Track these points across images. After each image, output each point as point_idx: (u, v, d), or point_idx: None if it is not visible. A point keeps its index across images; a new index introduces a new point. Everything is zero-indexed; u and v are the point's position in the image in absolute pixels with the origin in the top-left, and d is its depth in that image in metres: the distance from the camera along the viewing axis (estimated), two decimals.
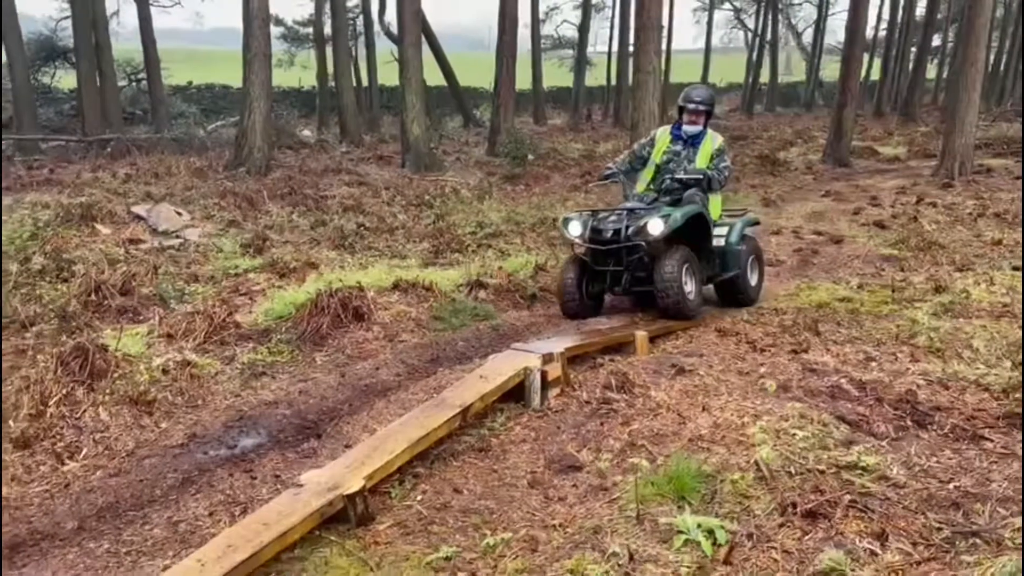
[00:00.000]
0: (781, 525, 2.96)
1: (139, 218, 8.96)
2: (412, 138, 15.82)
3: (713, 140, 6.36)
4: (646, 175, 6.52)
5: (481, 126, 26.50)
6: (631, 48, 29.16)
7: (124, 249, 7.76)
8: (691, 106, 6.30)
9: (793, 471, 3.33)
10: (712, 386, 4.36)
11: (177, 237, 8.60)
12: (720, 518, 3.00)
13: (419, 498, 3.50)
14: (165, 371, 4.75)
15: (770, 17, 38.88)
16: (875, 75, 36.79)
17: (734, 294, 6.54)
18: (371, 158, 17.43)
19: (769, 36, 39.21)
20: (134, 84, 24.77)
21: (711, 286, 6.58)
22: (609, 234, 5.97)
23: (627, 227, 5.91)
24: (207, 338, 5.35)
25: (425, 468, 3.75)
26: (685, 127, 6.36)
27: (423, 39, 18.04)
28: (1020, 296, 6.02)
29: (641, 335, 5.14)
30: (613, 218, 6.07)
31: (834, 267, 8.01)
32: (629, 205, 6.20)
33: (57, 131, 20.44)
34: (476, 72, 32.08)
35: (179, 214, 9.18)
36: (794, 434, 3.66)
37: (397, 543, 3.17)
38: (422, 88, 16.28)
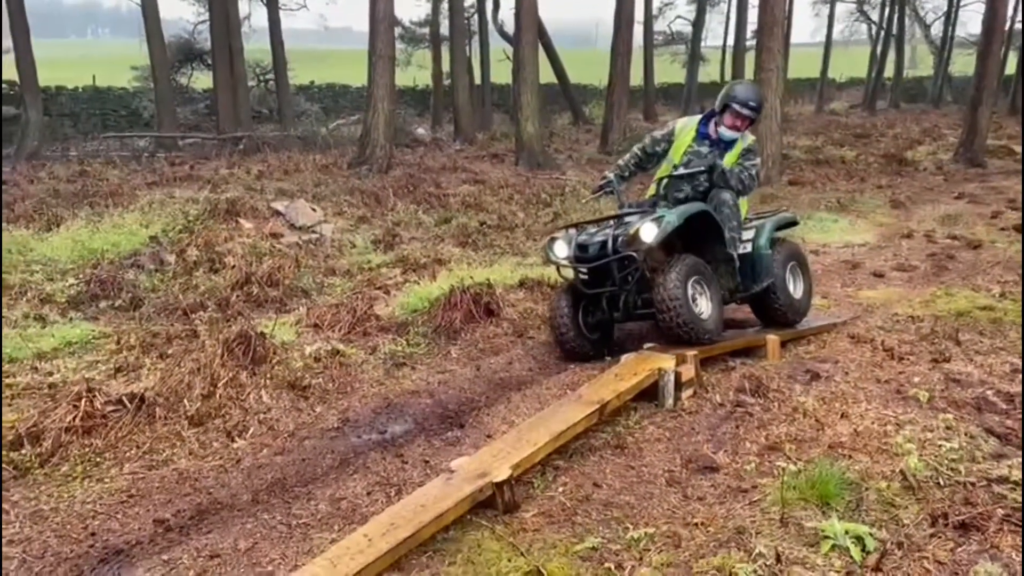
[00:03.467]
0: (932, 536, 2.96)
1: (278, 213, 9.53)
2: (526, 136, 16.05)
3: (743, 140, 5.30)
4: (660, 175, 5.46)
5: (590, 123, 26.53)
6: (748, 43, 28.58)
7: (268, 243, 8.28)
8: (741, 109, 5.14)
9: (942, 482, 3.30)
10: (850, 393, 4.33)
11: (313, 232, 9.10)
12: (867, 525, 3.02)
13: (560, 489, 3.66)
14: (317, 359, 5.10)
15: (896, 9, 37.15)
16: (1010, 69, 34.58)
17: (770, 310, 5.52)
18: (484, 156, 17.78)
19: (895, 29, 37.45)
20: (262, 84, 26.05)
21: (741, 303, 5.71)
22: (596, 248, 5.00)
23: (615, 237, 4.93)
24: (351, 329, 5.69)
25: (564, 461, 3.91)
26: (723, 130, 5.23)
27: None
28: None
29: (773, 339, 5.14)
30: (600, 229, 5.13)
31: (972, 274, 7.68)
32: (621, 212, 5.26)
33: (193, 129, 21.80)
34: (582, 69, 32.06)
35: (314, 210, 9.70)
36: (941, 445, 3.61)
37: (544, 531, 3.34)
38: (537, 87, 16.48)
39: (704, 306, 4.88)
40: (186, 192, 11.27)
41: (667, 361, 4.48)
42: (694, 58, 34.47)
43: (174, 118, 20.25)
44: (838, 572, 2.78)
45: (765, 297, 5.44)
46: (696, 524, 3.27)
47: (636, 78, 28.97)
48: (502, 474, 3.49)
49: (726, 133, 5.23)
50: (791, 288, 5.61)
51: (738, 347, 5.17)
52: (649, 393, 4.48)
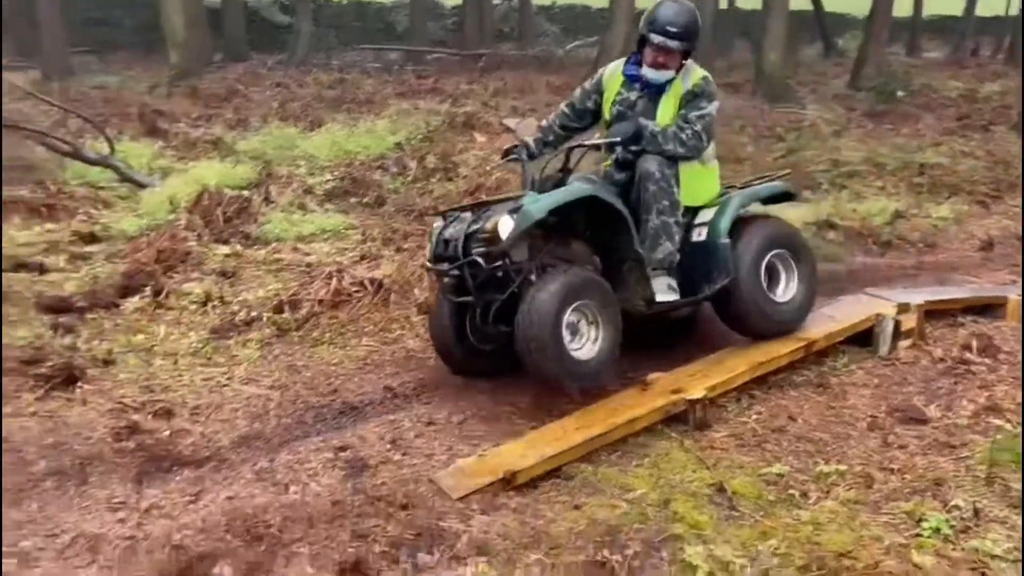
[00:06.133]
0: None
1: (509, 130, 9.93)
2: (768, 66, 15.23)
3: (684, 79, 3.94)
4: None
5: (843, 56, 24.49)
6: None
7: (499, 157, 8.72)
8: (660, 39, 3.81)
9: None
10: None
11: None
12: None
13: (754, 417, 3.72)
14: None
15: None
16: None
17: (729, 318, 4.14)
18: (719, 85, 17.14)
19: None
20: (507, 2, 26.58)
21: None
22: (448, 247, 3.81)
23: (469, 235, 3.73)
24: None
25: (762, 392, 3.93)
26: (646, 70, 3.94)
27: None
28: None
29: (1015, 299, 4.72)
30: (461, 220, 3.88)
31: None
32: (511, 196, 3.99)
33: (439, 44, 22.86)
34: None
35: None
36: None
37: (731, 452, 3.44)
38: (786, 13, 15.51)
39: (588, 342, 3.61)
40: (429, 104, 12.01)
41: (887, 307, 4.30)
42: None
43: (424, 33, 21.32)
44: None
45: (724, 301, 4.04)
46: (892, 470, 3.23)
47: (903, 8, 26.19)
48: (697, 392, 3.61)
49: (650, 73, 3.93)
50: (773, 288, 4.11)
51: (973, 304, 4.81)
52: (862, 340, 4.34)
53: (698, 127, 3.88)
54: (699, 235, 4.01)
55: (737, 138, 11.04)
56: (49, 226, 5.69)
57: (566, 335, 3.48)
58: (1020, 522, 2.75)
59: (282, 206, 6.60)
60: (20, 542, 2.74)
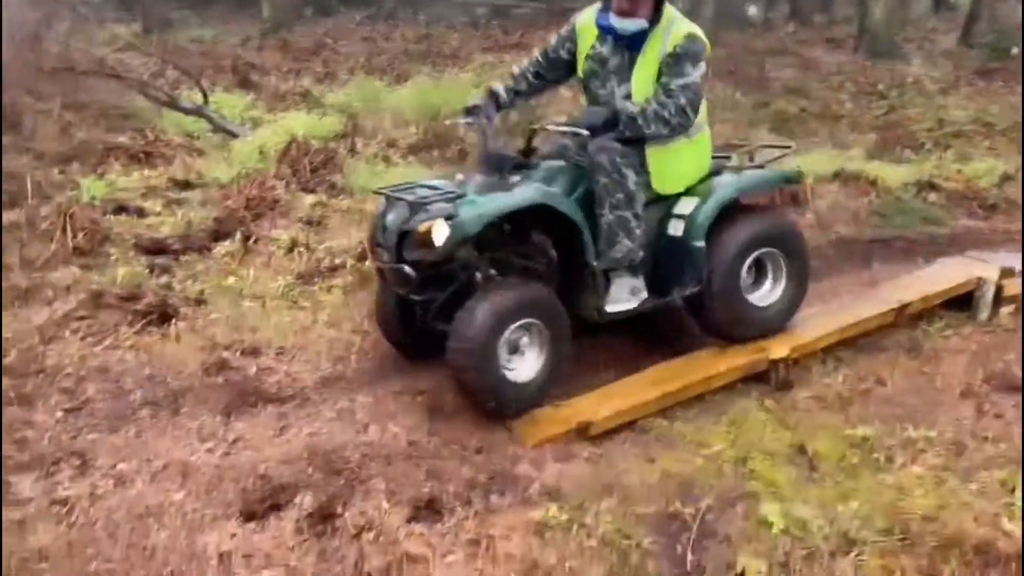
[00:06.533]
0: None
1: None
2: (872, 20, 14.44)
3: (665, 36, 3.32)
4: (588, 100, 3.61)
5: (953, 10, 23.02)
6: None
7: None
8: None
9: None
10: None
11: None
12: None
13: (840, 379, 3.61)
14: None
15: None
16: None
17: (703, 321, 3.68)
18: (819, 40, 16.37)
19: None
20: None
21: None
22: (386, 237, 3.29)
23: (403, 232, 3.18)
24: None
25: (849, 355, 3.80)
26: (613, 19, 3.35)
27: None
28: None
29: None
30: (399, 208, 3.27)
31: None
32: (462, 178, 3.45)
33: None
34: None
35: None
36: None
37: (814, 413, 3.35)
38: None
39: (529, 363, 3.21)
40: (514, 57, 11.90)
41: (989, 271, 4.08)
42: None
43: None
44: None
45: (690, 300, 3.53)
46: (986, 438, 3.09)
47: None
48: (780, 352, 3.52)
49: (616, 22, 3.33)
50: (756, 288, 3.65)
51: None
52: (959, 304, 4.13)
53: (681, 100, 3.24)
54: (675, 229, 3.45)
55: (835, 94, 10.60)
56: (147, 172, 5.91)
57: (502, 355, 3.09)
58: None
59: (366, 158, 6.68)
60: (118, 464, 2.90)
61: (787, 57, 13.48)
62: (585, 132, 3.30)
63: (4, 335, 3.61)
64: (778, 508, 2.64)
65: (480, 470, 2.87)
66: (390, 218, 3.27)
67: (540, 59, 3.63)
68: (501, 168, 3.32)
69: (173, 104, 7.28)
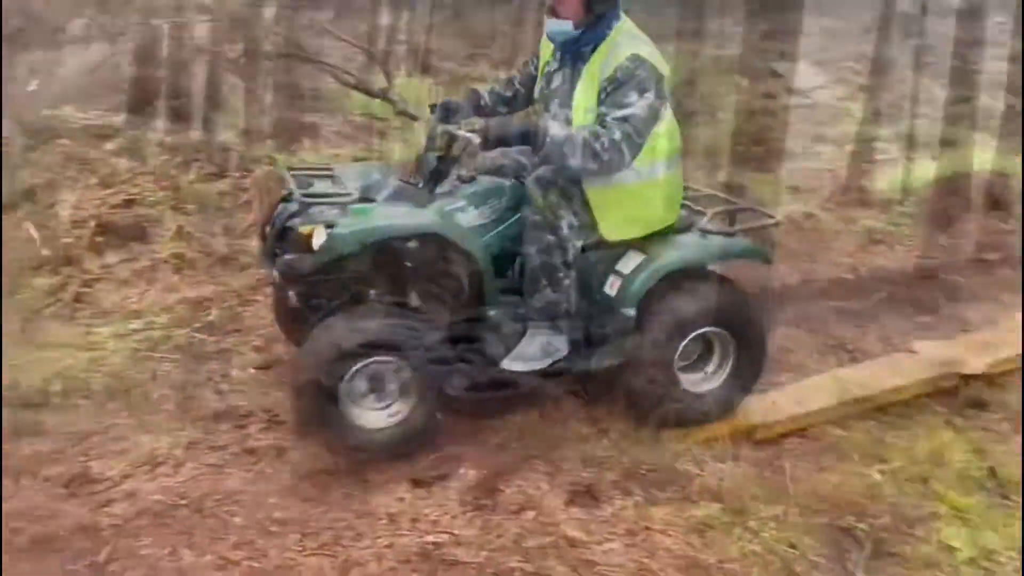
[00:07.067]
0: None
1: (775, 74, 9.35)
2: None
3: (612, 54, 2.76)
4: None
5: None
6: None
7: (761, 102, 8.28)
8: None
9: None
10: None
11: (807, 97, 8.81)
12: None
13: None
14: (791, 219, 5.14)
15: None
16: None
17: (627, 400, 3.04)
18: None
19: None
20: None
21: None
22: (275, 223, 2.94)
23: (285, 228, 2.83)
24: (830, 196, 5.59)
25: None
26: (548, 24, 2.87)
27: None
28: None
29: None
30: (293, 198, 2.89)
31: None
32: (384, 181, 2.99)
33: None
34: None
35: (816, 76, 9.34)
36: None
37: (1008, 436, 3.11)
38: None
39: (391, 410, 2.80)
40: (691, 46, 11.62)
41: None
42: None
43: None
44: None
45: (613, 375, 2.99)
46: None
47: None
48: (975, 367, 3.26)
49: (552, 25, 2.82)
50: (696, 369, 3.12)
51: None
52: None
53: (616, 134, 2.65)
54: (611, 287, 2.92)
55: None
56: (335, 151, 6.28)
57: (354, 392, 2.73)
58: None
59: None
60: None
61: (997, 49, 12.33)
62: (470, 136, 2.74)
63: (205, 294, 3.96)
64: (964, 534, 2.46)
65: (639, 462, 2.85)
66: (282, 206, 2.95)
67: (522, 69, 3.31)
68: (436, 177, 2.92)
69: (360, 87, 7.67)
